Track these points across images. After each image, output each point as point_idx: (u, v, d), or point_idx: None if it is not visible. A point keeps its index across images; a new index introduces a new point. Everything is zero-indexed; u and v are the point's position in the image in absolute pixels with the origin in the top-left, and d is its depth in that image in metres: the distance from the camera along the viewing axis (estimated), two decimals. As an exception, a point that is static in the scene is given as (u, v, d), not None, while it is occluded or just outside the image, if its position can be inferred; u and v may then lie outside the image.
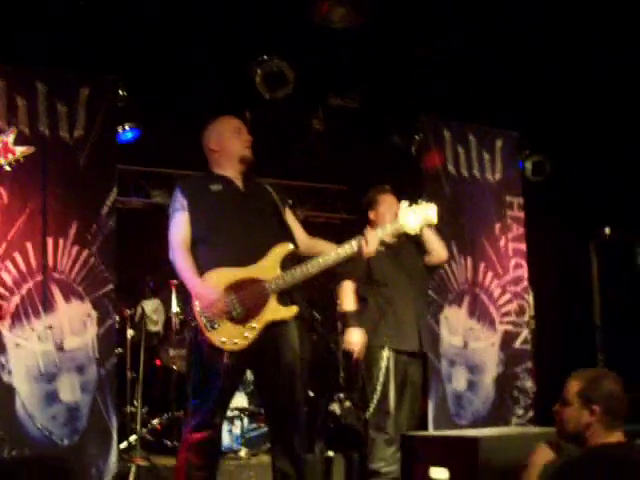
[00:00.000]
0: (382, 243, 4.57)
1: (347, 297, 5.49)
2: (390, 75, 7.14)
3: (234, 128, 4.45)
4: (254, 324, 4.10)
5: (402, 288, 5.49)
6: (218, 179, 4.37)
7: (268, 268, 4.17)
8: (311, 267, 4.21)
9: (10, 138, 3.63)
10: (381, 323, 5.43)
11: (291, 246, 4.25)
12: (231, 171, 4.40)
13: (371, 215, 5.63)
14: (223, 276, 4.13)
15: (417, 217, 4.47)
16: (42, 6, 5.83)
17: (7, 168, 3.64)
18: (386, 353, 5.35)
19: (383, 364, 5.33)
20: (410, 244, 5.55)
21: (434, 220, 4.54)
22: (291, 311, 4.18)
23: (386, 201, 5.59)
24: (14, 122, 5.71)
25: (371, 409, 5.34)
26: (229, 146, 4.41)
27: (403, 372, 5.42)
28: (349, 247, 4.29)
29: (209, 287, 4.09)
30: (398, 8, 6.27)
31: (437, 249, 5.60)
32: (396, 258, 5.53)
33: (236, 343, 4.07)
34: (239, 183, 4.39)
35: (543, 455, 3.46)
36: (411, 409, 5.49)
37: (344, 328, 5.55)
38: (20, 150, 3.64)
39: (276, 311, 4.14)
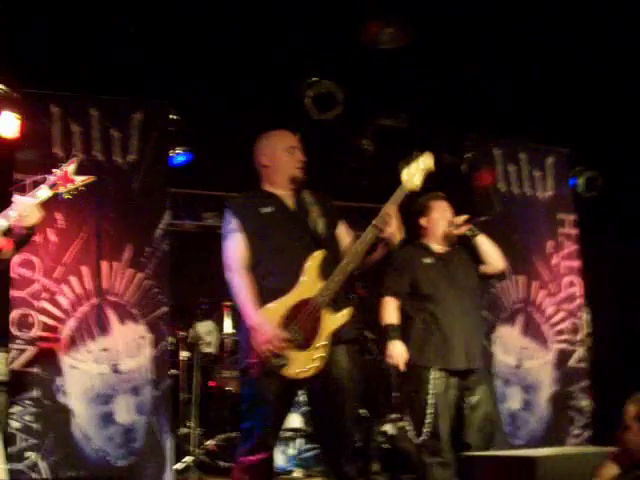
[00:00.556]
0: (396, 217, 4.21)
1: (387, 312, 5.25)
2: (439, 94, 7.13)
3: (288, 146, 4.32)
4: (319, 343, 4.04)
5: (450, 302, 5.19)
6: (268, 199, 4.27)
7: (310, 283, 4.09)
8: (345, 264, 4.09)
9: (71, 167, 3.68)
10: (427, 342, 5.17)
11: (320, 253, 4.12)
12: (281, 188, 4.30)
13: (423, 222, 5.40)
14: (274, 311, 4.04)
15: (415, 171, 4.21)
16: (93, 34, 5.93)
17: (67, 197, 3.69)
18: (433, 374, 5.10)
19: (431, 386, 5.07)
20: (463, 254, 5.34)
21: (432, 165, 4.25)
22: (346, 314, 4.11)
23: (440, 207, 5.37)
24: (70, 148, 5.83)
25: (423, 433, 5.09)
26: (281, 164, 4.30)
27: (455, 392, 5.16)
28: (369, 230, 4.15)
29: (266, 323, 4.00)
30: (446, 27, 6.27)
31: (493, 258, 5.29)
32: (446, 270, 5.28)
33: (312, 368, 4.02)
34: (289, 201, 4.28)
35: (609, 471, 3.42)
36: (475, 428, 5.16)
37: (385, 342, 5.28)
38: (80, 179, 3.69)
39: (333, 321, 4.07)
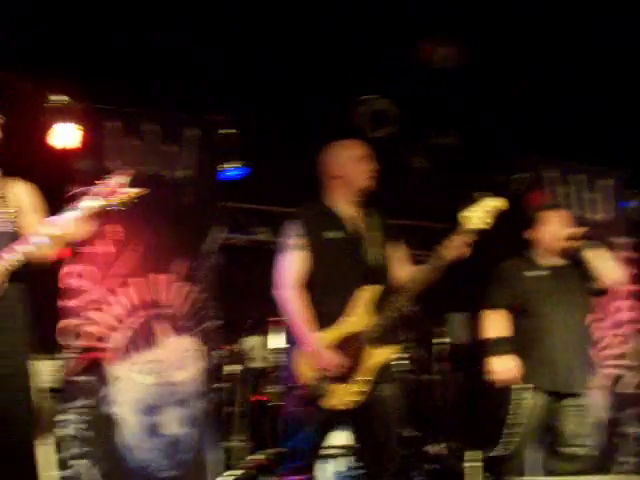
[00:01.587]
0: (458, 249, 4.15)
1: (487, 325, 5.02)
2: (491, 113, 7.10)
3: (360, 156, 4.29)
4: (361, 378, 4.03)
5: (554, 319, 4.90)
6: (332, 221, 4.24)
7: (361, 316, 4.08)
8: (396, 302, 4.10)
9: (120, 180, 3.71)
10: (526, 360, 4.88)
11: (374, 287, 4.12)
12: (347, 202, 4.27)
13: (531, 233, 5.17)
14: (327, 337, 4.05)
15: (475, 212, 4.15)
16: (149, 50, 5.98)
17: (115, 208, 3.71)
18: (529, 394, 4.87)
19: (525, 407, 4.85)
20: (576, 268, 5.02)
21: (500, 203, 4.18)
22: (390, 352, 4.12)
23: (551, 218, 5.12)
24: (123, 162, 5.89)
25: (501, 449, 4.90)
26: (353, 175, 4.27)
27: (551, 416, 4.90)
28: (422, 271, 4.13)
29: (323, 348, 4.00)
30: (500, 46, 6.24)
31: (605, 273, 4.95)
32: (552, 285, 4.99)
33: (349, 402, 4.02)
34: (351, 226, 4.25)
35: None
36: (563, 457, 4.89)
37: (485, 358, 4.98)
38: (133, 192, 3.71)
39: (378, 356, 4.06)
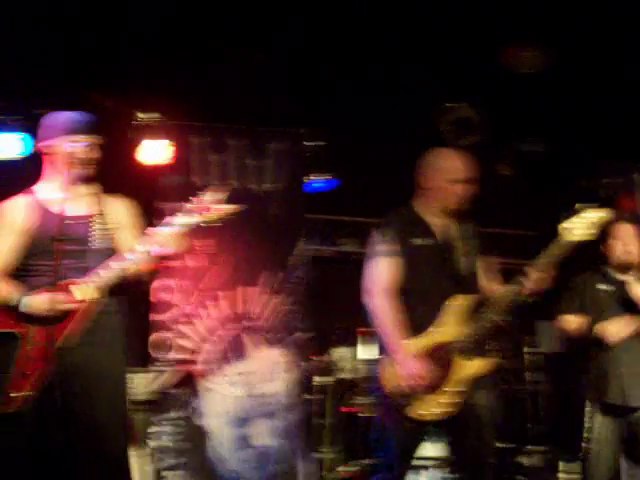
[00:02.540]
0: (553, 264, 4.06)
1: (569, 320, 4.88)
2: (577, 118, 6.98)
3: (454, 179, 4.16)
4: (449, 389, 3.97)
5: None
6: (421, 229, 4.18)
7: (450, 326, 4.03)
8: (488, 314, 4.03)
9: (220, 196, 3.74)
10: (593, 372, 4.81)
11: (465, 297, 4.07)
12: (434, 215, 4.21)
13: (602, 247, 4.99)
14: (414, 345, 4.00)
15: (576, 223, 4.04)
16: (230, 67, 6.04)
17: (215, 225, 3.75)
18: (592, 408, 4.79)
19: (590, 422, 4.76)
20: None
21: (605, 214, 4.07)
22: (481, 365, 4.04)
23: (619, 232, 4.94)
24: (207, 177, 5.97)
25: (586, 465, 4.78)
26: (437, 194, 4.19)
27: (628, 432, 4.74)
28: (515, 286, 4.03)
29: (411, 357, 3.95)
30: (587, 49, 6.14)
31: None
32: (621, 299, 4.85)
33: (436, 413, 3.96)
34: (441, 235, 4.19)
35: None
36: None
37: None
38: (229, 208, 3.74)
39: (467, 368, 4.01)
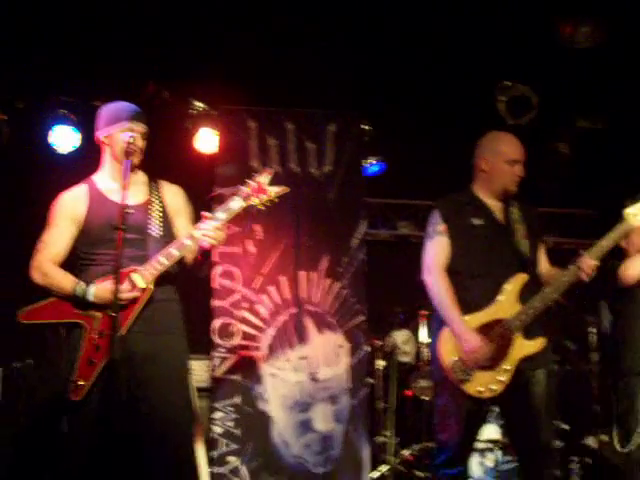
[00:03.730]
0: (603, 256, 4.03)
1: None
2: (637, 93, 6.83)
3: (511, 159, 4.19)
4: (506, 366, 3.99)
5: None
6: (479, 209, 4.22)
7: (507, 304, 4.05)
8: (547, 293, 4.03)
9: (265, 179, 3.76)
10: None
11: (522, 276, 4.08)
12: (492, 197, 4.24)
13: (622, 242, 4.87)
14: (471, 321, 4.03)
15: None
16: (285, 50, 6.05)
17: (260, 207, 3.77)
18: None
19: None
20: None
21: None
22: (539, 344, 4.05)
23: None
24: (266, 161, 5.99)
25: (632, 445, 4.55)
26: (498, 175, 4.20)
27: None
28: (573, 270, 4.01)
29: (471, 332, 3.98)
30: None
31: None
32: None
33: (493, 390, 3.97)
34: (499, 215, 4.22)
35: None
36: None
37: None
38: (274, 191, 3.75)
39: (524, 347, 4.02)
